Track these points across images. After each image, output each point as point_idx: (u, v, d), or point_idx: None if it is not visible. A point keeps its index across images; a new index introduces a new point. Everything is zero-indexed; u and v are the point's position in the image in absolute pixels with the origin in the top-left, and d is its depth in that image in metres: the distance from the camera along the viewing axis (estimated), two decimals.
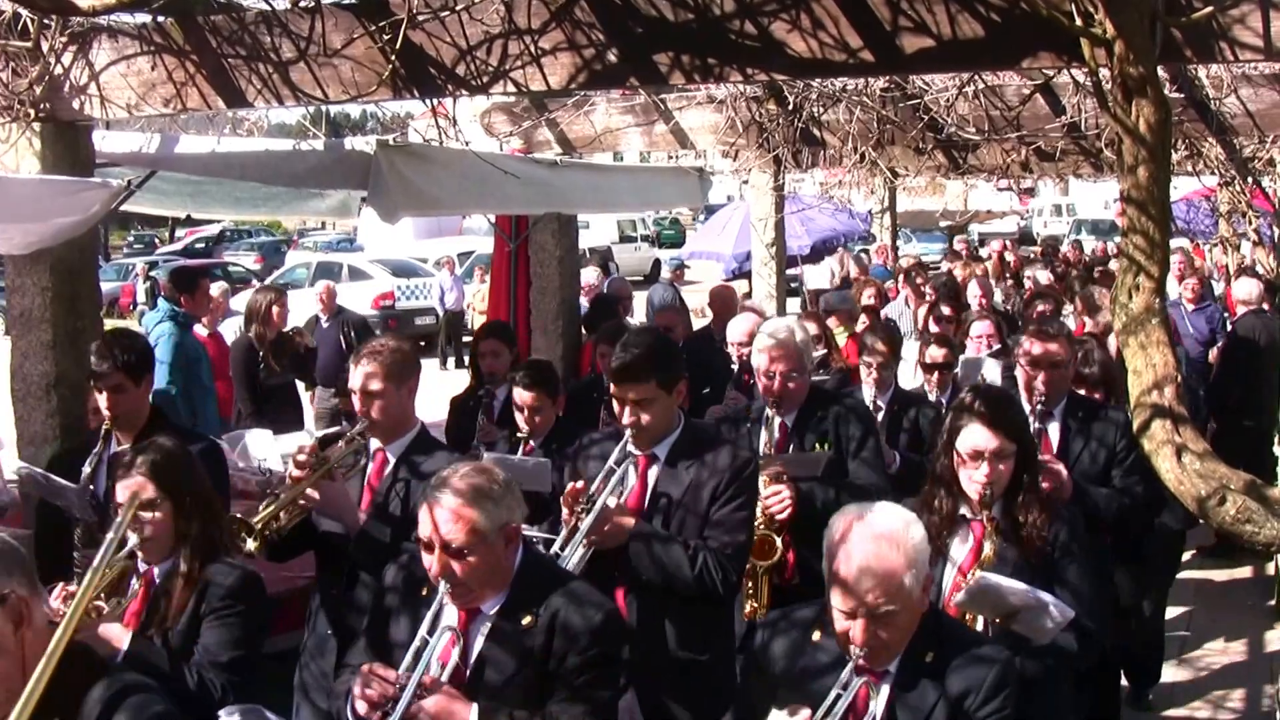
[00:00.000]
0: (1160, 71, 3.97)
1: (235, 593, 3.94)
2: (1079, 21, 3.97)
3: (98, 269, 6.50)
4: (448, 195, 7.28)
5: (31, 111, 5.76)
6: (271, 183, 6.99)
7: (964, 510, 4.09)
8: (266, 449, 7.81)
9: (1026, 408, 5.21)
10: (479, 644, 3.43)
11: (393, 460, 4.65)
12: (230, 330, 11.23)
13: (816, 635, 3.29)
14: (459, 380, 11.59)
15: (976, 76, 7.98)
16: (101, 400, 5.20)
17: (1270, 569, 9.03)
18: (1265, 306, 10.15)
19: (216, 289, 11.32)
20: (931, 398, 6.95)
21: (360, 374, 4.57)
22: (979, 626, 3.93)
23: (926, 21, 4.49)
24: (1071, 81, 7.82)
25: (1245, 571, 9.48)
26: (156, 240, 49.40)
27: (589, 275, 13.94)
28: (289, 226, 46.10)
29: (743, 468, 4.34)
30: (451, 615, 3.43)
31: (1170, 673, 7.52)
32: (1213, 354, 11.00)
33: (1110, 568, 5.42)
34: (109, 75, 5.70)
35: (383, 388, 4.55)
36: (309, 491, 4.44)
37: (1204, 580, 9.32)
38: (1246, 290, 10.30)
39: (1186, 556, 8.76)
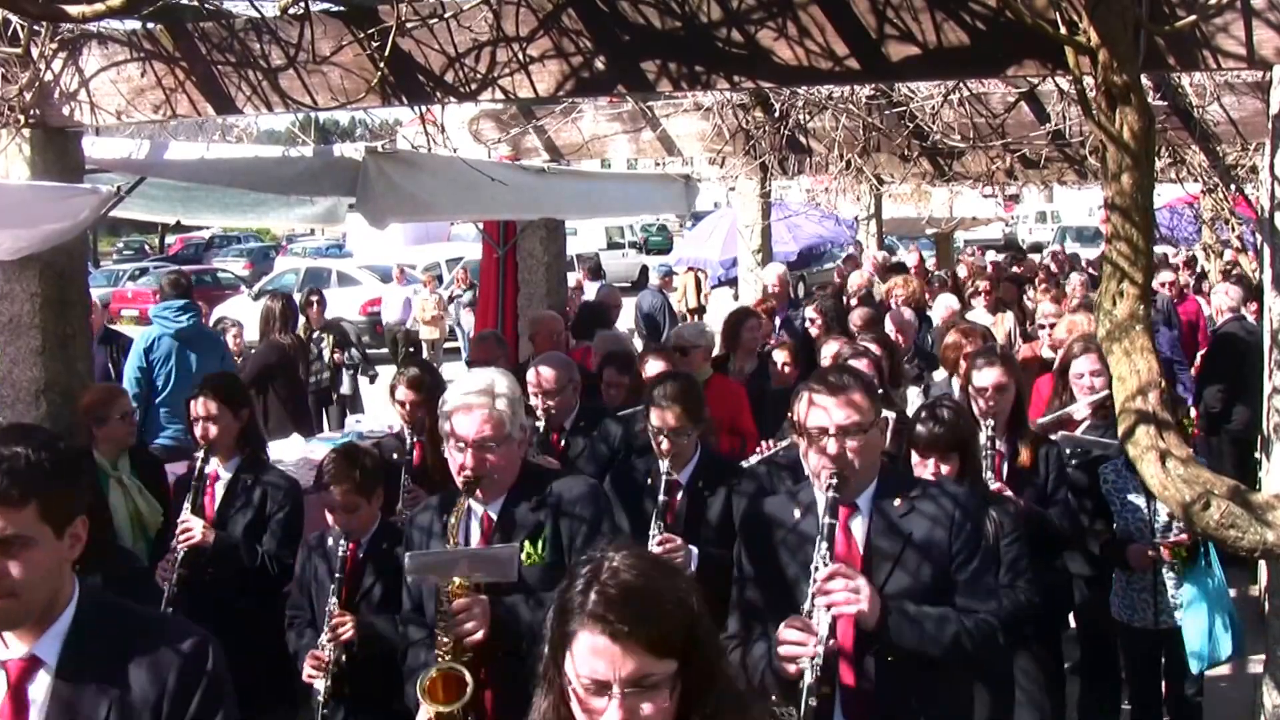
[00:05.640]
0: (1144, 79, 4.01)
1: None
2: (1063, 30, 4.01)
3: (87, 275, 6.52)
4: (436, 201, 7.31)
5: (21, 117, 5.78)
6: (261, 189, 7.01)
7: None
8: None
9: (820, 495, 3.51)
10: None
11: None
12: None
13: None
14: None
15: (961, 84, 8.03)
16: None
17: None
18: (1249, 313, 10.17)
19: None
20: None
21: None
22: None
23: (912, 30, 4.54)
24: (1056, 89, 7.87)
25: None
26: (146, 247, 49.31)
27: (573, 278, 13.91)
28: (277, 233, 46.01)
29: (195, 665, 2.54)
30: None
31: None
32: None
33: None
34: (99, 81, 5.72)
35: None
36: None
37: None
38: (1225, 297, 10.33)
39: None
